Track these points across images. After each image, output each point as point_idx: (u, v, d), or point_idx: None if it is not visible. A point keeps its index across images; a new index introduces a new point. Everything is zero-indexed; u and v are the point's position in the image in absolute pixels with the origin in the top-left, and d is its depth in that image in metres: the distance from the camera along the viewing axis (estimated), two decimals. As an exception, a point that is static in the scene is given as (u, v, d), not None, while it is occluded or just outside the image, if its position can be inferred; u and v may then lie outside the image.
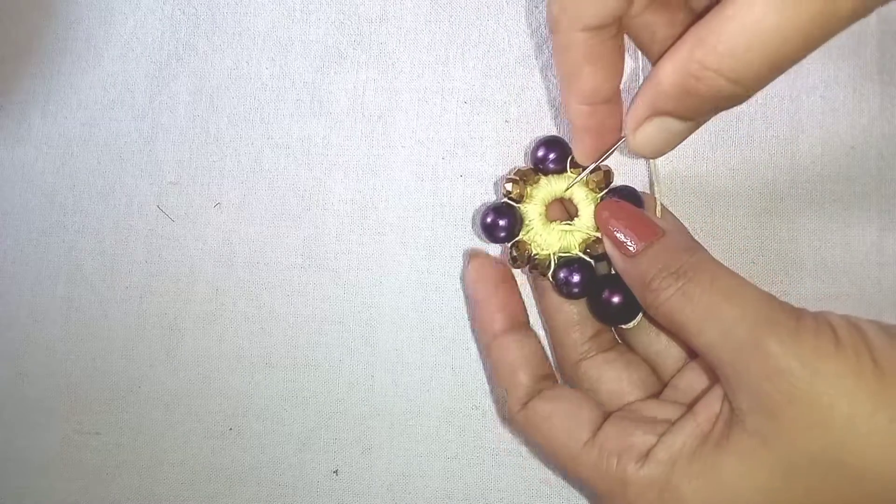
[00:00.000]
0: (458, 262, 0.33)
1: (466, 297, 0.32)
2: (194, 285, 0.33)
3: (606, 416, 0.27)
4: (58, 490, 0.32)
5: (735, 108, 0.32)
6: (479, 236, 0.32)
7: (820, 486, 0.23)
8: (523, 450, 0.31)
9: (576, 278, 0.28)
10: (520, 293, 0.30)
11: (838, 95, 0.32)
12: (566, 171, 0.29)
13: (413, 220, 0.33)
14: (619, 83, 0.26)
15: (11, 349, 0.33)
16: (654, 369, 0.30)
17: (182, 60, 0.34)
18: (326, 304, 0.33)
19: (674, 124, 0.24)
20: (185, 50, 0.34)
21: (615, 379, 0.29)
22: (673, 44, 0.23)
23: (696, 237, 0.31)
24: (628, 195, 0.29)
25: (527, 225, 0.29)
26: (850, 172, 0.32)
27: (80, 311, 0.33)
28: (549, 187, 0.29)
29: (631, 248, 0.26)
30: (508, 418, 0.29)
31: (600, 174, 0.29)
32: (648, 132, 0.25)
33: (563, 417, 0.27)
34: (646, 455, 0.25)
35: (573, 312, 0.29)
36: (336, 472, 0.32)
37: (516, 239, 0.29)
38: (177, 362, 0.33)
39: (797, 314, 0.24)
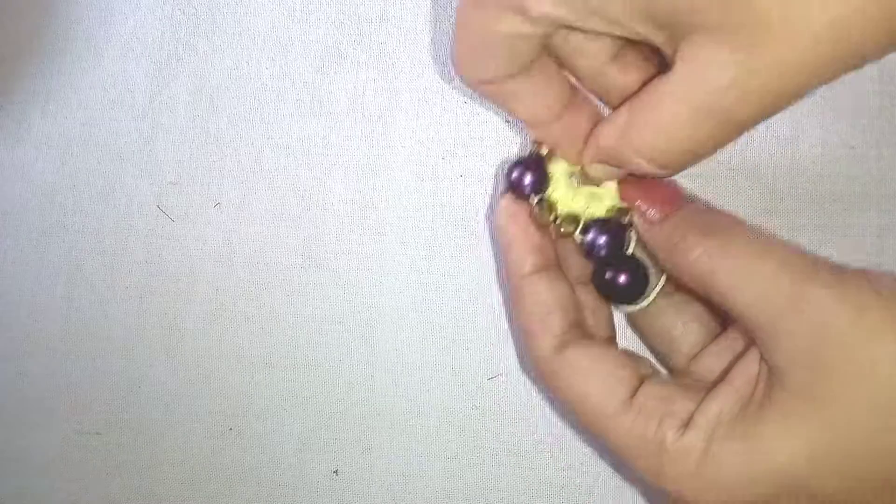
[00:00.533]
0: (459, 263, 0.33)
1: (494, 239, 0.32)
2: (194, 285, 0.33)
3: (643, 379, 0.26)
4: (58, 490, 0.32)
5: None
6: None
7: (866, 444, 0.22)
8: (523, 450, 0.31)
9: (602, 239, 0.27)
10: (550, 235, 0.28)
11: (838, 95, 0.32)
12: None
13: (413, 220, 0.33)
14: (563, 99, 0.26)
15: (11, 349, 0.33)
16: (667, 359, 0.29)
17: (182, 60, 0.34)
18: (326, 304, 0.33)
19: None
20: (185, 50, 0.34)
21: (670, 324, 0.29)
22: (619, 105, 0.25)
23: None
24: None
25: (554, 184, 0.28)
26: (850, 172, 0.32)
27: (80, 311, 0.33)
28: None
29: (656, 216, 0.26)
30: (537, 365, 0.27)
31: None
32: (599, 169, 0.26)
33: (601, 373, 0.25)
34: (686, 422, 0.24)
35: (589, 300, 0.29)
36: (336, 472, 0.32)
37: (541, 197, 0.28)
38: (177, 362, 0.33)
39: (838, 268, 0.23)
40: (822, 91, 0.32)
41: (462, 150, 0.33)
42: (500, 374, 0.32)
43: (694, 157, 0.23)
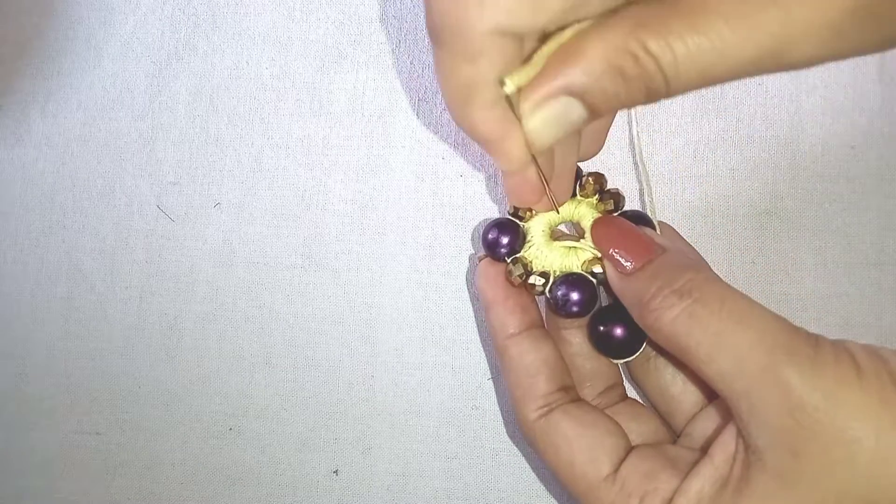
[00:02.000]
0: (459, 263, 0.33)
1: (479, 300, 0.32)
2: (194, 285, 0.33)
3: (629, 448, 0.26)
4: (58, 490, 0.32)
5: (734, 108, 0.33)
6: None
7: None
8: (523, 450, 0.31)
9: (575, 296, 0.26)
10: (532, 296, 0.28)
11: (838, 95, 0.32)
12: (576, 195, 0.28)
13: (413, 220, 0.33)
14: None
15: (11, 349, 0.33)
16: (668, 418, 0.28)
17: (182, 60, 0.34)
18: (326, 304, 0.33)
19: (578, 110, 0.22)
20: (185, 50, 0.34)
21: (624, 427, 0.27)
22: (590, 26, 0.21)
23: (696, 238, 0.31)
24: (638, 220, 0.27)
25: (529, 242, 0.28)
26: (850, 172, 0.32)
27: (80, 311, 0.33)
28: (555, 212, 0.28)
29: (628, 266, 0.25)
30: (523, 429, 0.27)
31: (609, 199, 0.28)
32: (548, 114, 0.22)
33: (586, 442, 0.25)
34: (668, 501, 0.23)
35: (585, 366, 0.28)
36: (336, 472, 0.32)
37: (516, 255, 0.28)
38: (177, 362, 0.33)
39: (815, 341, 0.22)
40: (822, 91, 0.32)
41: (462, 150, 0.33)
42: (500, 375, 0.32)
43: (711, 82, 0.21)
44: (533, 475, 0.31)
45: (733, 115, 0.33)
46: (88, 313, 0.33)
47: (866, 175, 0.32)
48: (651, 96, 0.21)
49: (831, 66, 0.32)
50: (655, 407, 0.29)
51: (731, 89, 0.33)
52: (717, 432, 0.25)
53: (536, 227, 0.28)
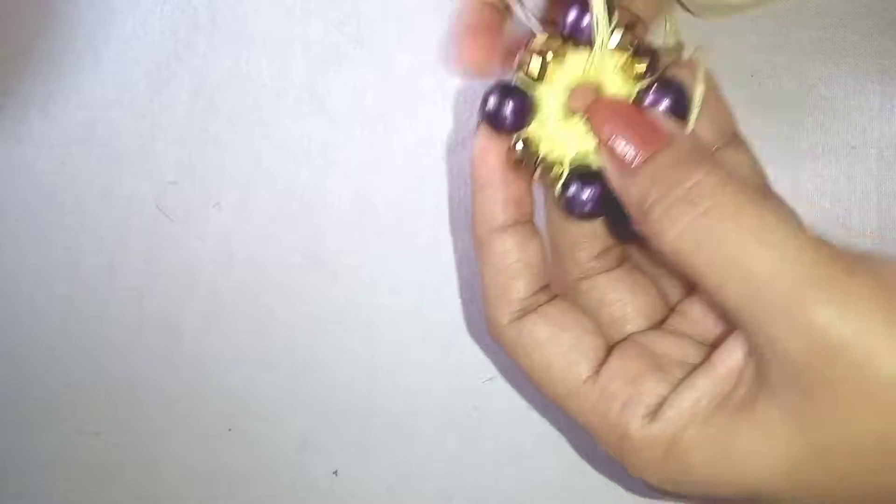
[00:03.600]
0: (459, 263, 0.33)
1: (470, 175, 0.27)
2: (194, 285, 0.33)
3: (610, 346, 0.23)
4: (58, 490, 0.32)
5: (734, 107, 0.33)
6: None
7: (862, 472, 0.19)
8: (523, 450, 0.31)
9: (586, 194, 0.22)
10: (531, 183, 0.24)
11: (838, 95, 0.32)
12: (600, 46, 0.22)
13: (413, 220, 0.33)
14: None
15: (11, 349, 0.33)
16: (664, 290, 0.26)
17: (182, 60, 0.34)
18: (326, 304, 0.33)
19: None
20: (184, 50, 0.34)
21: (618, 302, 0.25)
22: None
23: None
24: (676, 91, 0.22)
25: (541, 115, 0.23)
26: (850, 172, 0.32)
27: (80, 311, 0.33)
28: (579, 66, 0.22)
29: (627, 157, 0.21)
30: (493, 332, 0.24)
31: (644, 57, 0.22)
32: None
33: (562, 344, 0.23)
34: (654, 410, 0.21)
35: (583, 228, 0.25)
36: (336, 472, 0.32)
37: (524, 133, 0.23)
38: (177, 362, 0.33)
39: (850, 267, 0.18)
40: (822, 91, 0.32)
41: (462, 150, 0.33)
42: (500, 375, 0.32)
43: None
44: (533, 475, 0.31)
45: (733, 115, 0.33)
46: (88, 313, 0.33)
47: (866, 175, 0.32)
48: None
49: (831, 66, 0.32)
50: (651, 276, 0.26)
51: (731, 89, 0.33)
52: (723, 333, 0.22)
53: (551, 95, 0.23)
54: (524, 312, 0.23)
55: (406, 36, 0.34)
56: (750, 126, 0.33)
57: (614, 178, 0.21)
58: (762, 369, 0.20)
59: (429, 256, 0.33)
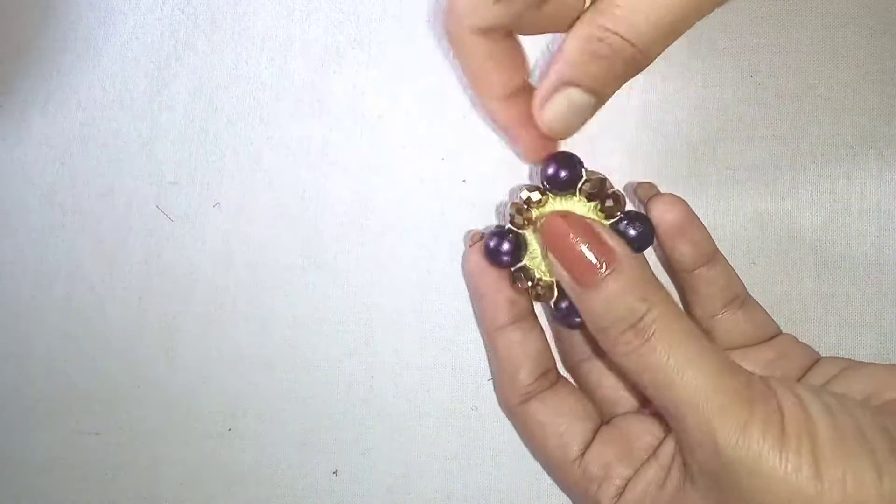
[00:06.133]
0: (458, 263, 0.33)
1: (467, 284, 0.32)
2: (194, 285, 0.33)
3: (597, 427, 0.28)
4: (58, 490, 0.32)
5: (734, 107, 0.33)
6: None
7: None
8: (523, 450, 0.31)
9: (577, 312, 0.27)
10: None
11: (838, 95, 0.32)
12: (576, 194, 0.28)
13: (413, 220, 0.33)
14: (526, 75, 0.26)
15: (11, 349, 0.33)
16: None
17: (182, 60, 0.34)
18: (326, 304, 0.33)
19: (580, 97, 0.24)
20: (184, 50, 0.34)
21: (612, 385, 0.30)
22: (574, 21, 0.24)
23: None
24: (644, 224, 0.27)
25: (531, 251, 0.28)
26: (850, 172, 0.32)
27: (80, 311, 0.33)
28: (555, 208, 0.28)
29: (581, 279, 0.25)
30: (505, 410, 0.30)
31: (609, 202, 0.27)
32: (555, 106, 0.24)
33: (558, 427, 0.28)
34: (621, 492, 0.27)
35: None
36: (336, 472, 0.32)
37: (521, 264, 0.28)
38: (177, 362, 0.33)
39: (749, 398, 0.23)
40: (822, 91, 0.32)
41: (462, 151, 0.33)
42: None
43: (669, 29, 0.23)
44: (533, 475, 0.31)
45: (733, 114, 0.33)
46: (88, 313, 0.33)
47: (866, 175, 0.32)
48: (633, 65, 0.23)
49: (831, 66, 0.32)
50: None
51: (731, 89, 0.33)
52: (669, 432, 0.27)
53: (537, 240, 0.28)
54: (529, 397, 0.28)
55: (406, 36, 0.34)
56: (750, 126, 0.33)
57: (570, 293, 0.26)
58: (686, 461, 0.25)
59: (429, 256, 0.33)
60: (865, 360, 0.27)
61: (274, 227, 0.33)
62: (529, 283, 0.28)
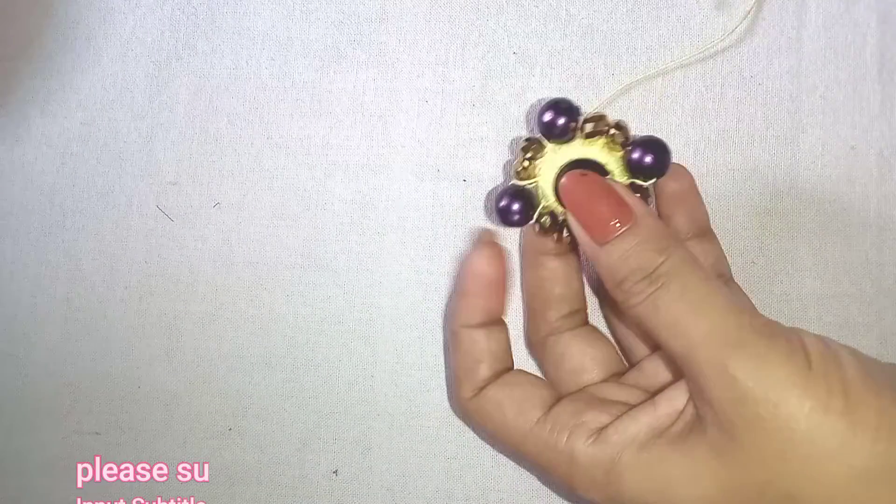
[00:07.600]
0: (458, 263, 0.33)
1: (457, 278, 0.32)
2: (194, 285, 0.33)
3: (560, 396, 0.27)
4: (58, 490, 0.32)
5: (734, 107, 0.33)
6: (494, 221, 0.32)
7: None
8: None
9: None
10: (506, 291, 0.28)
11: (838, 95, 0.32)
12: (576, 136, 0.28)
13: (413, 220, 0.33)
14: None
15: (11, 349, 0.33)
16: (627, 352, 0.30)
17: (182, 60, 0.34)
18: (326, 304, 0.33)
19: None
20: (184, 50, 0.34)
21: (577, 354, 0.29)
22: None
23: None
24: (656, 148, 0.27)
25: (545, 198, 0.28)
26: (850, 172, 0.32)
27: (80, 311, 0.33)
28: (556, 155, 0.28)
29: (599, 237, 0.25)
30: (458, 403, 0.29)
31: (619, 133, 0.27)
32: None
33: (516, 399, 0.27)
34: (597, 433, 0.25)
35: (554, 291, 0.29)
36: (336, 472, 0.32)
37: (544, 217, 0.28)
38: (177, 362, 0.33)
39: (769, 333, 0.23)
40: (822, 91, 0.32)
41: (462, 151, 0.33)
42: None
43: None
44: (533, 476, 0.31)
45: (733, 115, 0.33)
46: (88, 314, 0.33)
47: (866, 175, 0.32)
48: None
49: (831, 66, 0.32)
50: (616, 339, 0.30)
51: (731, 89, 0.33)
52: (669, 382, 0.26)
53: (545, 183, 0.28)
54: (485, 387, 0.27)
55: (406, 36, 0.34)
56: (750, 127, 0.33)
57: (585, 248, 0.26)
58: (699, 412, 0.24)
59: (429, 256, 0.33)
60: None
61: (274, 226, 0.33)
62: (558, 224, 0.28)
